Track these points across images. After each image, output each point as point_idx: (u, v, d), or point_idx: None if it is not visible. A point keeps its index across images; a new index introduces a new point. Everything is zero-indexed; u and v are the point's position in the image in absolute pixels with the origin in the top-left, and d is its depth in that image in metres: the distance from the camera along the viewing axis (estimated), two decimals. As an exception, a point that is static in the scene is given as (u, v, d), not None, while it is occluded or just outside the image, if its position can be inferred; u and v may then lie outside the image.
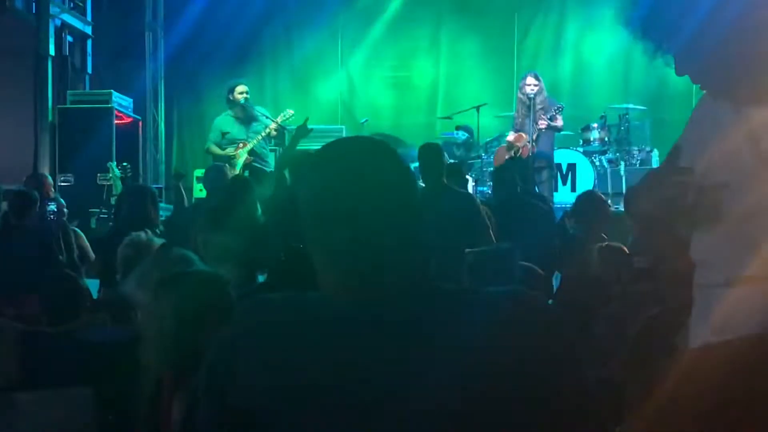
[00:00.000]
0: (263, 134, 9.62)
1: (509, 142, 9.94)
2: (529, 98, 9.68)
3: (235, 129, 9.66)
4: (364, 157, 1.59)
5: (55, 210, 7.59)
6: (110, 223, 8.53)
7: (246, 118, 9.63)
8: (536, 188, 9.29)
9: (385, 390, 1.48)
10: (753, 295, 1.90)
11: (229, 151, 9.59)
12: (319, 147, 1.67)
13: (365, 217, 1.53)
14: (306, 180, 1.61)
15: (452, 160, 10.01)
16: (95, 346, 3.93)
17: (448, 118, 11.95)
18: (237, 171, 9.38)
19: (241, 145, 9.56)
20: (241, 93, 9.61)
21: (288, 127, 9.87)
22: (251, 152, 9.55)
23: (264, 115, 9.75)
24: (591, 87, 13.00)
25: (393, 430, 1.48)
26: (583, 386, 1.56)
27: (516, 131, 9.97)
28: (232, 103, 9.65)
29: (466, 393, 1.47)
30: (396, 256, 1.55)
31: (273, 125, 9.65)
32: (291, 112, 9.97)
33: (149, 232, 5.08)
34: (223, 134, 9.67)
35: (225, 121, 9.74)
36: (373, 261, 1.54)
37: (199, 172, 12.25)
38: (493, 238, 6.21)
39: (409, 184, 1.62)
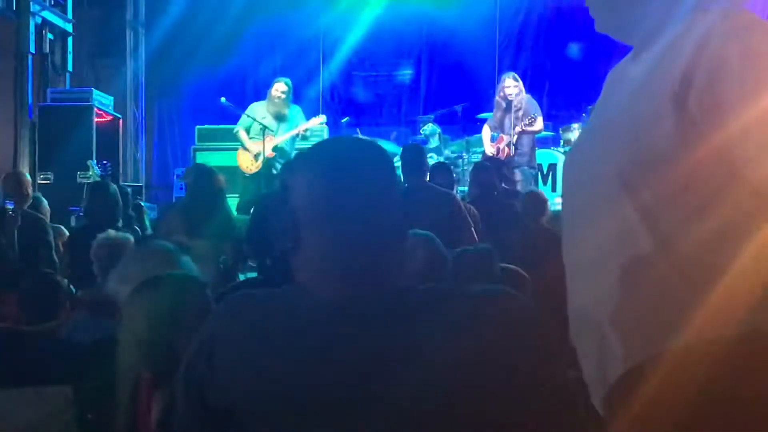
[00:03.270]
0: (291, 134, 9.60)
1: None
2: (508, 100, 9.75)
3: (268, 118, 9.59)
4: (354, 155, 1.64)
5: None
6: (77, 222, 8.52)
7: (279, 115, 9.61)
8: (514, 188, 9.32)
9: (365, 385, 1.50)
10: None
11: (256, 140, 9.55)
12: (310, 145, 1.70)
13: (354, 214, 1.57)
14: (298, 177, 1.64)
15: (442, 159, 10.06)
16: (75, 345, 3.92)
17: (429, 117, 11.99)
18: (259, 164, 9.46)
19: (269, 138, 9.50)
20: (277, 90, 9.61)
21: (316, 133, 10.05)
22: (277, 149, 9.50)
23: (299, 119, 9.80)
24: (572, 86, 13.04)
25: (372, 424, 1.49)
26: (563, 385, 1.58)
27: (492, 129, 10.04)
28: (271, 98, 9.66)
29: (445, 389, 1.49)
30: (381, 253, 1.59)
31: (302, 127, 9.65)
32: (322, 118, 10.05)
33: (119, 229, 5.07)
34: (255, 120, 9.60)
35: (260, 109, 9.71)
36: (359, 257, 1.57)
37: (179, 171, 12.27)
38: (476, 237, 6.22)
39: (395, 182, 1.68)
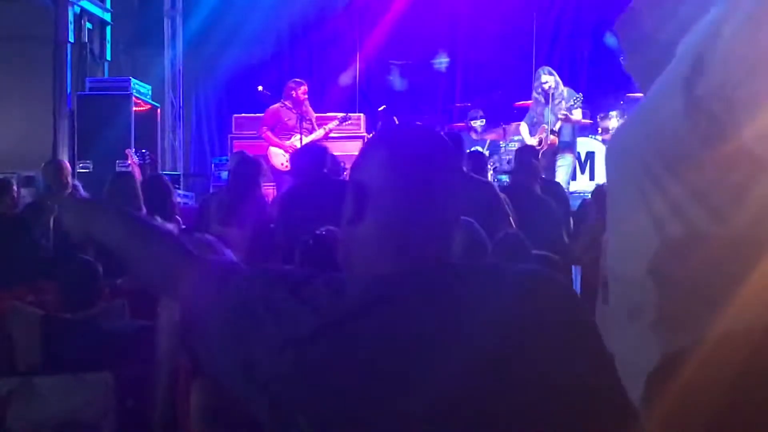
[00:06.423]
0: (321, 132, 10.00)
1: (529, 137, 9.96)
2: (547, 93, 9.73)
3: (292, 120, 9.97)
4: (421, 140, 1.70)
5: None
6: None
7: (306, 115, 10.00)
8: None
9: (418, 363, 1.49)
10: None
11: (283, 139, 9.95)
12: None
13: (416, 192, 1.62)
14: (369, 156, 1.69)
15: (477, 148, 10.02)
16: (115, 333, 3.96)
17: (466, 105, 11.94)
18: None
19: (298, 137, 9.83)
20: (304, 92, 10.00)
21: None
22: None
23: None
24: (610, 74, 12.92)
25: (422, 403, 1.49)
26: (606, 362, 1.58)
27: (531, 125, 9.99)
28: (297, 100, 9.97)
29: (493, 367, 1.49)
30: (436, 231, 1.63)
31: (330, 125, 10.10)
32: (340, 116, 10.51)
33: (159, 219, 5.09)
34: (278, 122, 9.99)
35: (284, 111, 10.03)
36: (416, 234, 1.61)
37: (217, 160, 12.33)
38: (514, 226, 6.19)
39: (456, 167, 1.75)
